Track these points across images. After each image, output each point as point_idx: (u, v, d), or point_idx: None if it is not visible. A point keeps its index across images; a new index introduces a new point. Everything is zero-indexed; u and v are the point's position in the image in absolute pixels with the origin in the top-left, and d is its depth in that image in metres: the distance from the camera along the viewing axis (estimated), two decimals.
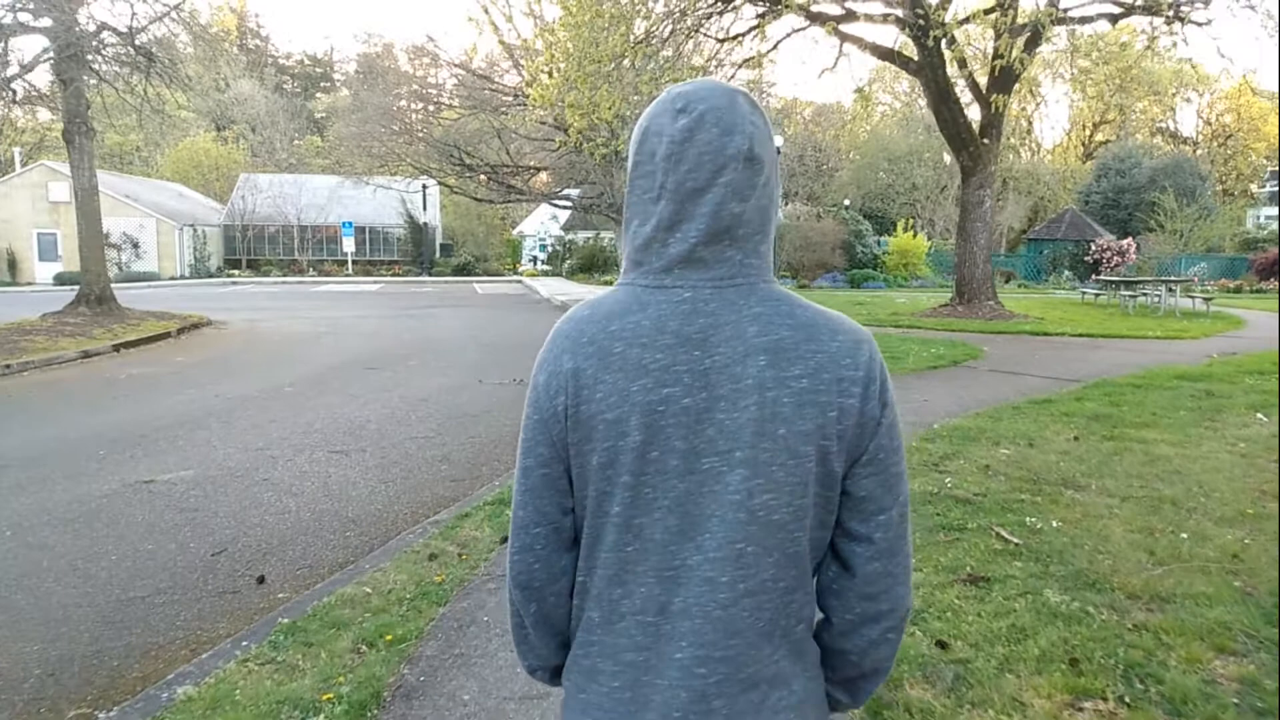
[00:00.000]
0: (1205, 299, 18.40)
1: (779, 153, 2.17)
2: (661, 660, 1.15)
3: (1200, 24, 16.93)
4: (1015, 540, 4.46)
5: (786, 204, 33.46)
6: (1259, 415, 7.50)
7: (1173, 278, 22.18)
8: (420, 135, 34.42)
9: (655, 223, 1.17)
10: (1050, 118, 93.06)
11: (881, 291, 27.95)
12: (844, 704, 1.30)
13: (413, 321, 19.15)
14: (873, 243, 32.79)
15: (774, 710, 1.16)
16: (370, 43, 67.63)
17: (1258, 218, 54.39)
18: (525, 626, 1.28)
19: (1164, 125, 70.27)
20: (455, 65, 34.17)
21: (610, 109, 14.08)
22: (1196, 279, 28.74)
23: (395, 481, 6.41)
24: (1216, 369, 9.78)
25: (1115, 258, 32.50)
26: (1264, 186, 63.42)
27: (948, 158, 52.10)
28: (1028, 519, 4.78)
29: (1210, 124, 71.20)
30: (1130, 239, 33.73)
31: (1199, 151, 52.74)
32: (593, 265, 36.70)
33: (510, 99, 32.45)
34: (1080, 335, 13.93)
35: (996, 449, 6.34)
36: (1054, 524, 4.71)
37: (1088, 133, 64.28)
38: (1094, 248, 32.96)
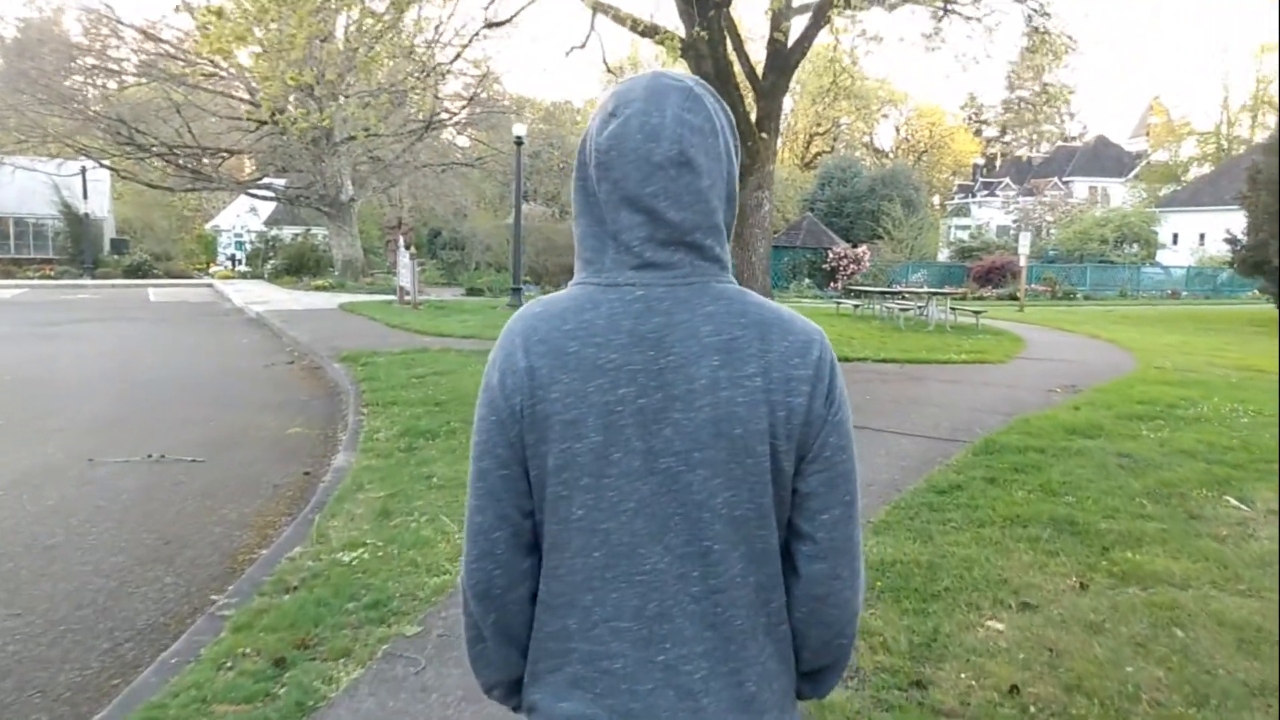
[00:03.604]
0: (975, 313, 17.56)
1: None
2: (642, 666, 1.12)
3: (969, 18, 15.99)
4: None
5: (524, 204, 30.50)
6: (1230, 499, 5.46)
7: (944, 289, 21.62)
8: (77, 106, 27.89)
9: (598, 228, 1.16)
10: None
11: None
12: (807, 694, 1.29)
13: (40, 346, 14.10)
14: None
15: (762, 708, 1.15)
16: (35, 5, 56.37)
17: (949, 228, 58.67)
18: (484, 640, 1.23)
19: (867, 140, 74.90)
20: (136, 30, 27.88)
21: (303, 37, 10.30)
22: (923, 283, 29.08)
23: None
24: (1091, 415, 7.92)
25: (851, 265, 32.48)
26: (952, 199, 69.04)
27: None
28: None
29: (908, 140, 76.88)
30: (864, 247, 33.97)
31: (892, 165, 55.66)
32: (302, 266, 31.69)
33: (199, 73, 27.01)
34: (883, 360, 12.02)
35: (978, 617, 3.68)
36: None
37: (802, 143, 66.80)
38: (831, 255, 32.76)
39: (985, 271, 34.83)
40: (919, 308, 18.62)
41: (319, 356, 12.37)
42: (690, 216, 1.13)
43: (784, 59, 14.78)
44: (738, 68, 14.78)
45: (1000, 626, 3.62)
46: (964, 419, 7.94)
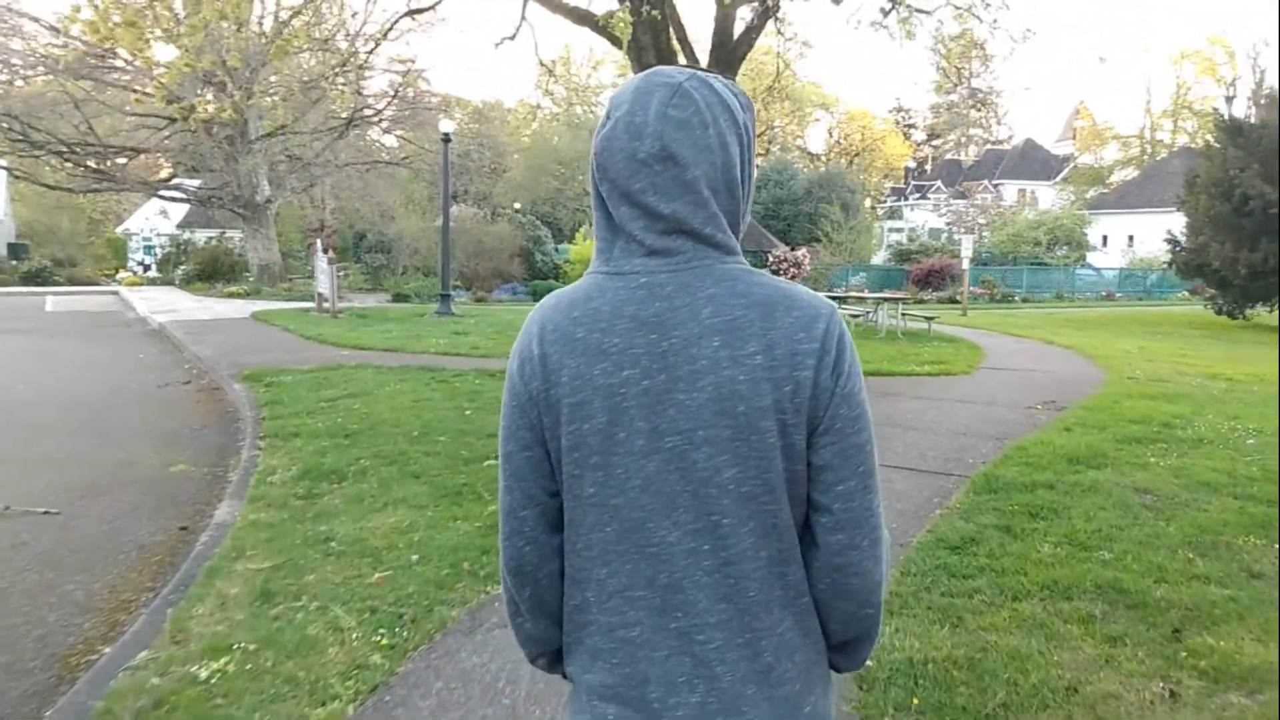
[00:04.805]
0: (927, 319, 16.89)
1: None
2: (658, 633, 1.16)
3: (918, 10, 15.34)
4: None
5: (453, 205, 29.17)
6: None
7: (884, 293, 20.97)
8: None
9: (608, 221, 1.21)
10: None
11: None
12: (842, 666, 1.29)
13: None
14: (552, 251, 29.43)
15: (779, 680, 1.16)
16: None
17: (884, 230, 58.77)
18: (522, 614, 1.29)
19: (800, 143, 74.86)
20: (41, 23, 25.71)
21: (201, 19, 9.02)
22: (863, 287, 28.60)
23: None
24: (1088, 440, 7.13)
25: (791, 269, 31.83)
26: (884, 202, 69.32)
27: None
28: None
29: (840, 143, 77.07)
30: (804, 249, 33.39)
31: (826, 168, 55.46)
32: (216, 272, 29.82)
33: (102, 62, 25.08)
34: None
35: None
36: None
37: None
38: (771, 259, 32.08)
39: (924, 274, 34.53)
40: (867, 313, 17.93)
41: (220, 375, 11.06)
42: (680, 207, 1.15)
43: (730, 51, 13.89)
44: (683, 61, 13.85)
45: None
46: (951, 446, 7.07)
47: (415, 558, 4.37)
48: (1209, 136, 25.17)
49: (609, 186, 1.18)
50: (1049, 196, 59.37)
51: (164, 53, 13.58)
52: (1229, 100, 28.87)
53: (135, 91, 26.61)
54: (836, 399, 1.13)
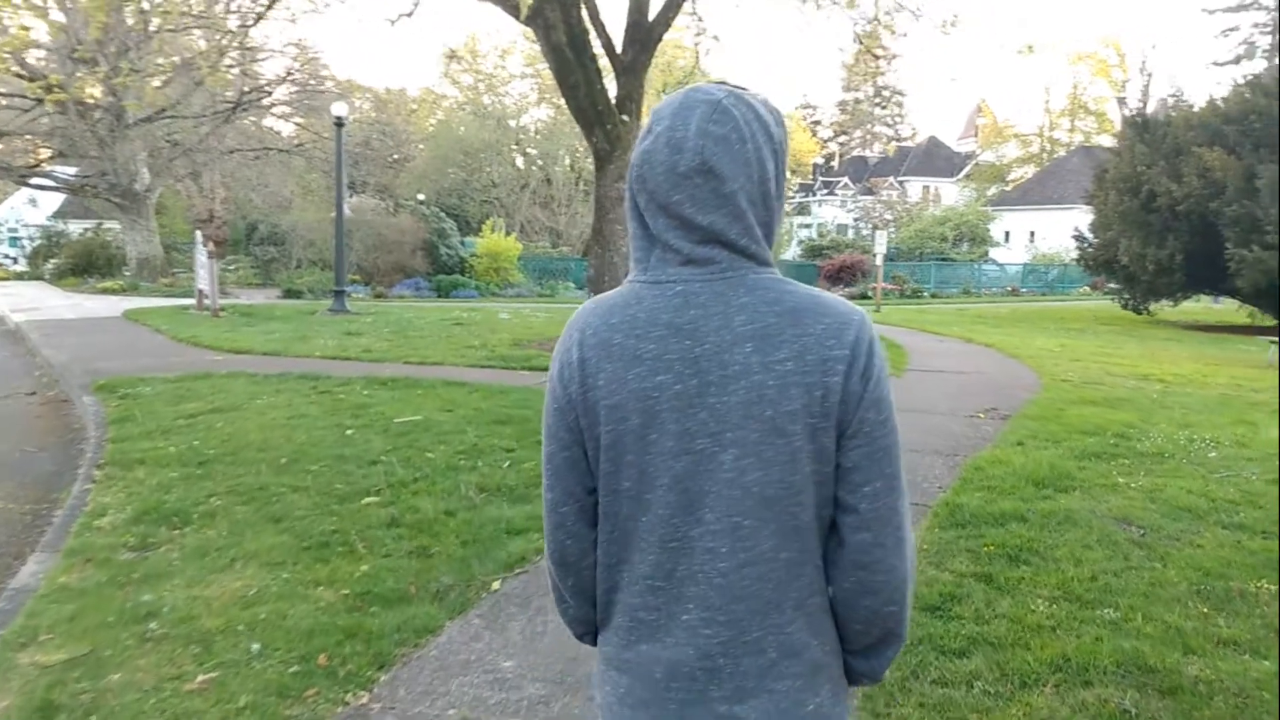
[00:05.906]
0: None
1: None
2: (670, 620, 1.20)
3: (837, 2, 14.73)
4: None
5: (352, 196, 27.58)
6: None
7: None
8: None
9: (644, 231, 1.24)
10: None
11: (476, 302, 23.29)
12: (865, 676, 1.30)
13: None
14: (458, 244, 28.09)
15: (780, 675, 1.18)
16: None
17: (793, 226, 58.96)
18: (566, 599, 1.36)
19: None
20: None
21: None
22: None
23: None
24: (1046, 456, 6.48)
25: None
26: (793, 198, 69.63)
27: (520, 160, 48.99)
28: None
29: None
30: None
31: None
32: (91, 266, 27.60)
33: None
34: None
35: None
36: None
37: None
38: None
39: (836, 270, 34.38)
40: None
41: (71, 384, 9.68)
42: (718, 219, 1.19)
43: (645, 31, 13.02)
44: (596, 42, 12.91)
45: None
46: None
47: (256, 647, 3.34)
48: (1114, 133, 25.42)
49: (647, 198, 1.22)
50: (952, 193, 60.38)
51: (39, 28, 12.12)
52: (1121, 101, 29.44)
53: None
54: (865, 403, 1.17)
